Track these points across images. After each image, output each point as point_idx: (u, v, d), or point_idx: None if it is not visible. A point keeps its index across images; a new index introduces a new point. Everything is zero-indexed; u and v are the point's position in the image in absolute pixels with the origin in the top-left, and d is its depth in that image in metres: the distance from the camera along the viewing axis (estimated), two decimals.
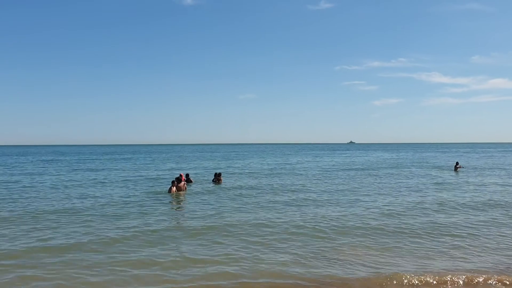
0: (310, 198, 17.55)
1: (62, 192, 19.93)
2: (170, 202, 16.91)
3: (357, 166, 39.60)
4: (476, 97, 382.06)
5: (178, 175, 20.53)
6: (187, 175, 23.57)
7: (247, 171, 34.42)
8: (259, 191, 20.10)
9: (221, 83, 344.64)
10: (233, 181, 25.40)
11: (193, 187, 21.75)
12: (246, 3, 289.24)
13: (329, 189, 21.01)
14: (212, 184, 23.34)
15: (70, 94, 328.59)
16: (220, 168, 34.77)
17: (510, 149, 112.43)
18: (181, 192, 18.98)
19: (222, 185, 23.02)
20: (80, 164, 46.02)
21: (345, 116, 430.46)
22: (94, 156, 76.33)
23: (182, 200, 17.25)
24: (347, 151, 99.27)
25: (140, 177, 28.19)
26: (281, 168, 37.78)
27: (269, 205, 15.70)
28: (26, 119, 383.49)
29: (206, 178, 26.74)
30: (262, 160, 56.79)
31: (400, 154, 76.13)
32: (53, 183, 24.76)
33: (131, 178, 27.48)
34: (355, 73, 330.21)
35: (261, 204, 15.74)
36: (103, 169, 37.09)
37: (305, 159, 57.64)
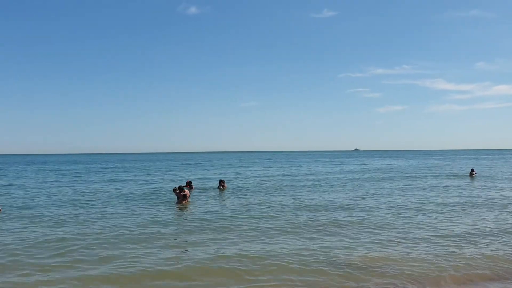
0: (335, 217, 14.82)
1: (77, 209, 18.89)
2: (183, 218, 15.73)
3: (373, 175, 37.19)
4: (480, 104, 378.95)
5: (185, 183, 20.00)
6: (189, 182, 23.36)
7: (255, 180, 33.26)
8: (269, 206, 17.79)
9: (225, 92, 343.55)
10: (242, 192, 23.57)
11: (202, 195, 21.00)
12: (250, 12, 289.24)
13: (348, 204, 17.73)
14: (217, 192, 22.89)
15: (74, 103, 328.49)
16: (226, 177, 33.51)
17: None
18: (187, 201, 17.93)
19: (227, 192, 22.24)
20: (81, 176, 45.21)
21: (349, 123, 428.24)
22: (96, 164, 75.39)
23: (191, 216, 16.08)
24: (354, 159, 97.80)
25: (148, 188, 27.10)
26: (291, 177, 36.49)
27: (282, 226, 13.40)
28: (33, 128, 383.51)
29: (211, 185, 25.74)
30: (268, 168, 55.52)
31: (409, 161, 74.33)
32: (63, 198, 23.76)
33: (137, 191, 26.41)
34: (359, 80, 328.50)
35: (272, 226, 13.37)
36: (109, 181, 36.12)
37: (313, 167, 56.27)
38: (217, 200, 19.36)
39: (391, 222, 13.23)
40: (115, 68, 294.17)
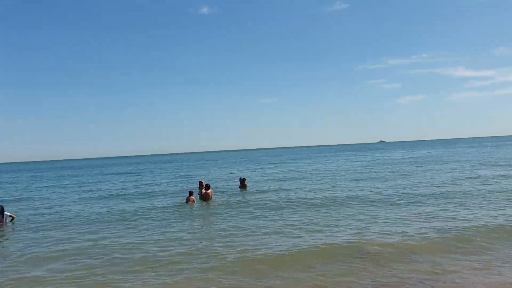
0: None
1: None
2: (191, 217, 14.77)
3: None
4: (501, 90, 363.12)
5: (204, 184, 18.48)
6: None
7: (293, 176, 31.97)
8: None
9: (241, 89, 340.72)
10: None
11: (222, 196, 19.90)
12: (262, 10, 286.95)
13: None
14: (239, 191, 21.86)
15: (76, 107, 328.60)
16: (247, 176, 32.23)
17: None
18: (208, 201, 17.54)
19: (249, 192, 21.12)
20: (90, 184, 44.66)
21: (372, 115, 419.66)
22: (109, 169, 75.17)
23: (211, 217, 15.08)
24: (385, 150, 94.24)
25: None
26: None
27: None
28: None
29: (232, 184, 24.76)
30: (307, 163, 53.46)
31: (450, 149, 68.76)
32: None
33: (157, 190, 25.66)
34: (376, 71, 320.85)
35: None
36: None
37: (340, 160, 54.22)
38: (241, 200, 18.37)
39: None
40: (121, 69, 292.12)
